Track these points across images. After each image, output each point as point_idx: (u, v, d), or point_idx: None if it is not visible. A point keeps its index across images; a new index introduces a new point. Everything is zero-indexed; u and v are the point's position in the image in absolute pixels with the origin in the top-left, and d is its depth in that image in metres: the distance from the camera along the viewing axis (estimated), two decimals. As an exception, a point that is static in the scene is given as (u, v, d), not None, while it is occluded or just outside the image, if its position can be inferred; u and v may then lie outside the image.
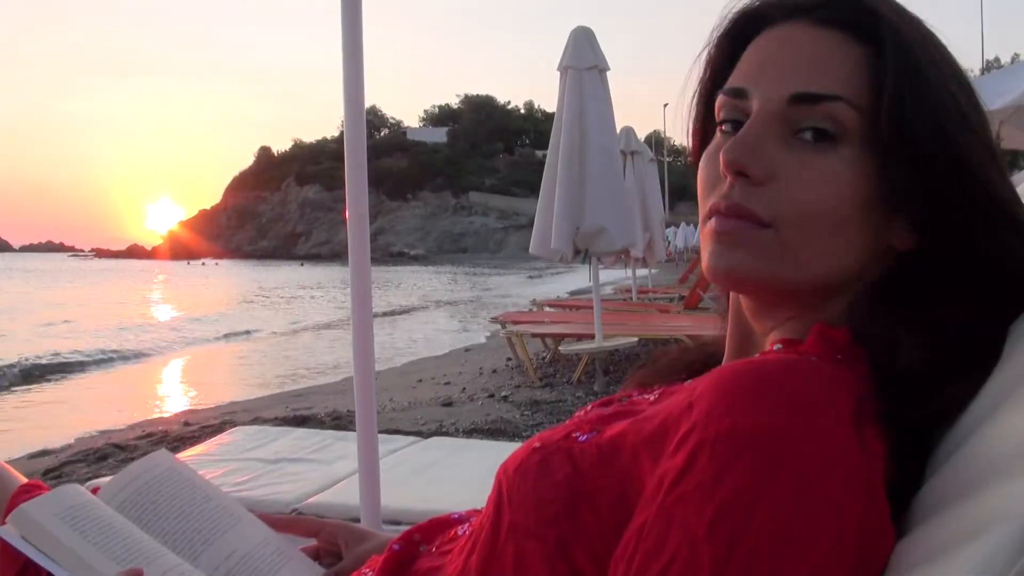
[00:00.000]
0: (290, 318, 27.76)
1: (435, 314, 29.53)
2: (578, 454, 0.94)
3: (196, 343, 20.74)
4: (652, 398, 1.05)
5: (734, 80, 0.98)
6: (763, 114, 0.94)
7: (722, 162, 0.93)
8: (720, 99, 0.99)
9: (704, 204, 0.99)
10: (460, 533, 1.19)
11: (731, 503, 0.76)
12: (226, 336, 22.16)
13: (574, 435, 0.98)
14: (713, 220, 0.96)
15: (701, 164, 1.01)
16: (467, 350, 15.99)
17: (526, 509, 0.94)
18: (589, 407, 1.16)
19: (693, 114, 1.10)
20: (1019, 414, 0.80)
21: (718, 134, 1.00)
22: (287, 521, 1.51)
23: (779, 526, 0.74)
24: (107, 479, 1.42)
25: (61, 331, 22.45)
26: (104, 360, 16.95)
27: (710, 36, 1.06)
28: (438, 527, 1.26)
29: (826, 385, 0.83)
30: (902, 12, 0.94)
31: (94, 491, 1.38)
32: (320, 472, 3.97)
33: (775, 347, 0.97)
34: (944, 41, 0.96)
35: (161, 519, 1.36)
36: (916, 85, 0.89)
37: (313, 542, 1.51)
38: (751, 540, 0.74)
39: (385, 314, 26.99)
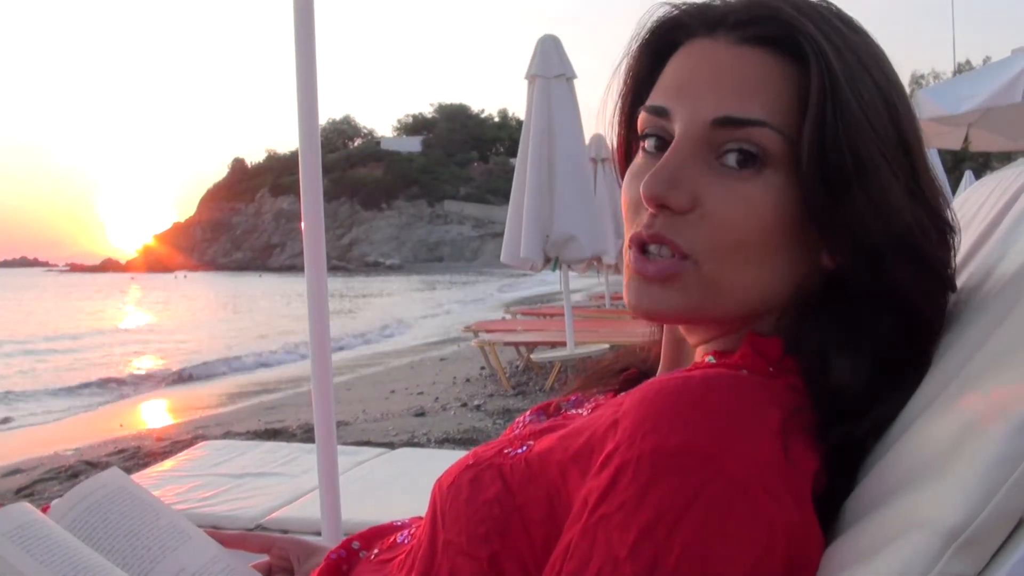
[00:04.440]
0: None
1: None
2: (508, 470, 0.94)
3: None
4: (585, 412, 1.05)
5: (656, 97, 0.97)
6: (685, 139, 0.92)
7: (642, 195, 0.92)
8: (642, 115, 0.98)
9: (628, 228, 0.98)
10: (400, 540, 1.19)
11: (654, 523, 0.76)
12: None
13: (506, 451, 0.98)
14: (632, 255, 0.95)
15: (625, 184, 1.00)
16: (442, 359, 15.95)
17: (458, 527, 0.94)
18: (526, 415, 1.17)
19: (616, 128, 1.09)
20: (938, 423, 0.81)
21: (640, 151, 0.99)
22: (239, 538, 1.50)
23: (702, 546, 0.75)
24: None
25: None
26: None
27: (628, 45, 1.04)
28: (378, 534, 1.26)
29: (752, 400, 0.84)
30: (826, 26, 0.90)
31: (44, 510, 1.38)
32: (285, 486, 3.95)
33: (707, 359, 0.98)
34: (872, 41, 0.94)
35: (111, 537, 1.35)
36: (837, 110, 0.87)
37: (265, 558, 1.50)
38: (674, 561, 0.74)
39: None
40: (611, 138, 1.10)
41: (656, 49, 1.01)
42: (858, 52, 0.90)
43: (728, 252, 0.91)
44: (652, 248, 0.93)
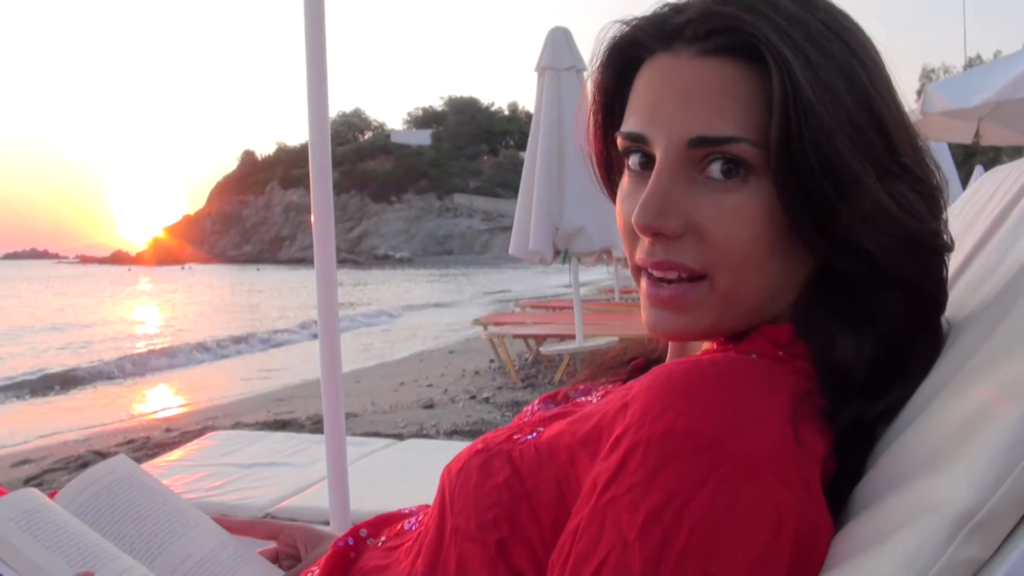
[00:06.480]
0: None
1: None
2: (517, 456, 0.94)
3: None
4: (594, 399, 1.05)
5: (630, 123, 0.96)
6: (665, 164, 0.91)
7: (636, 227, 0.92)
8: (620, 140, 0.97)
9: (629, 252, 0.98)
10: (407, 528, 1.19)
11: (663, 506, 0.76)
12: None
13: (515, 437, 0.98)
14: (645, 282, 0.96)
15: (618, 207, 1.00)
16: (451, 352, 15.96)
17: (467, 513, 0.94)
18: (535, 404, 1.17)
19: (592, 143, 1.09)
20: (948, 409, 0.81)
21: (626, 171, 0.98)
22: (246, 524, 1.51)
23: (711, 528, 0.75)
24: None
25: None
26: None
27: (590, 64, 1.04)
28: (385, 521, 1.26)
29: (762, 383, 0.84)
30: (782, 19, 0.88)
31: (51, 495, 1.38)
32: (294, 476, 3.94)
33: (715, 345, 0.99)
34: (831, 13, 0.92)
35: (118, 523, 1.35)
36: (801, 115, 0.85)
37: (272, 545, 1.50)
38: (682, 542, 0.75)
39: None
40: (589, 153, 1.10)
41: (618, 67, 1.01)
42: (819, 40, 0.89)
43: (733, 263, 0.91)
44: (659, 274, 0.94)
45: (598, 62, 1.02)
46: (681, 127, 0.90)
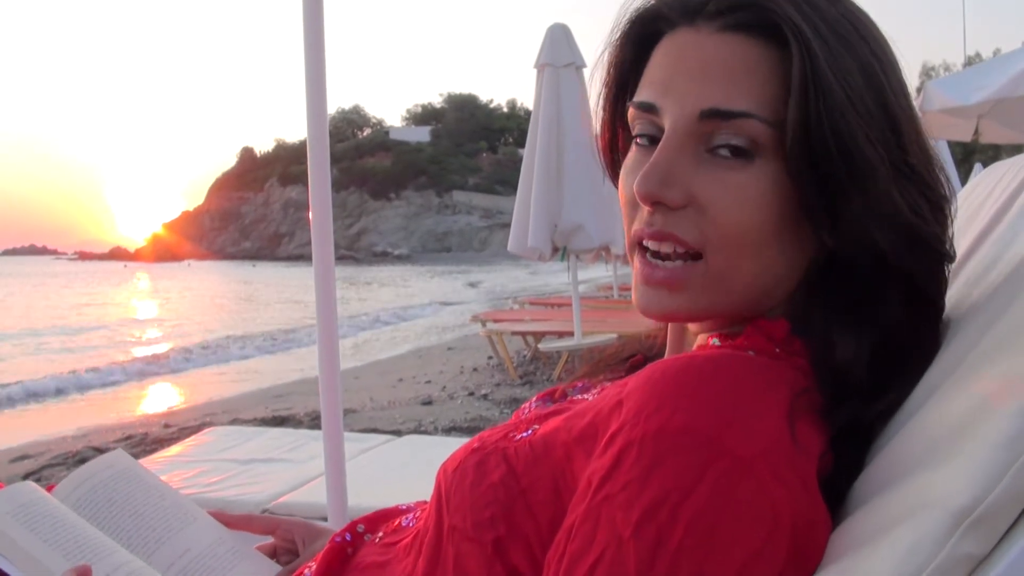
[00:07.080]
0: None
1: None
2: (513, 454, 0.94)
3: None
4: (591, 397, 1.05)
5: (643, 93, 0.96)
6: (674, 134, 0.91)
7: (636, 194, 0.91)
8: (631, 111, 0.97)
9: (627, 227, 0.97)
10: (404, 524, 1.18)
11: (658, 503, 0.76)
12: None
13: (511, 435, 0.98)
14: (638, 260, 0.95)
15: (621, 181, 0.99)
16: (449, 348, 15.96)
17: (463, 512, 0.94)
18: (532, 401, 1.16)
19: (600, 117, 1.08)
20: (947, 405, 0.81)
21: (633, 145, 0.98)
22: (244, 519, 1.50)
23: (706, 527, 0.75)
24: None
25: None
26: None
27: (609, 36, 1.03)
28: (383, 517, 1.26)
29: (759, 380, 0.83)
30: (804, 8, 0.88)
31: (49, 489, 1.38)
32: (292, 472, 3.96)
33: (712, 341, 0.98)
34: (853, 10, 0.92)
35: (115, 517, 1.35)
36: (819, 97, 0.85)
37: (270, 540, 1.50)
38: (677, 540, 0.74)
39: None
40: (595, 125, 1.10)
41: (638, 40, 1.00)
42: (839, 29, 0.89)
43: (730, 243, 0.90)
44: (653, 245, 0.93)
45: (619, 33, 1.02)
46: (695, 98, 0.90)
